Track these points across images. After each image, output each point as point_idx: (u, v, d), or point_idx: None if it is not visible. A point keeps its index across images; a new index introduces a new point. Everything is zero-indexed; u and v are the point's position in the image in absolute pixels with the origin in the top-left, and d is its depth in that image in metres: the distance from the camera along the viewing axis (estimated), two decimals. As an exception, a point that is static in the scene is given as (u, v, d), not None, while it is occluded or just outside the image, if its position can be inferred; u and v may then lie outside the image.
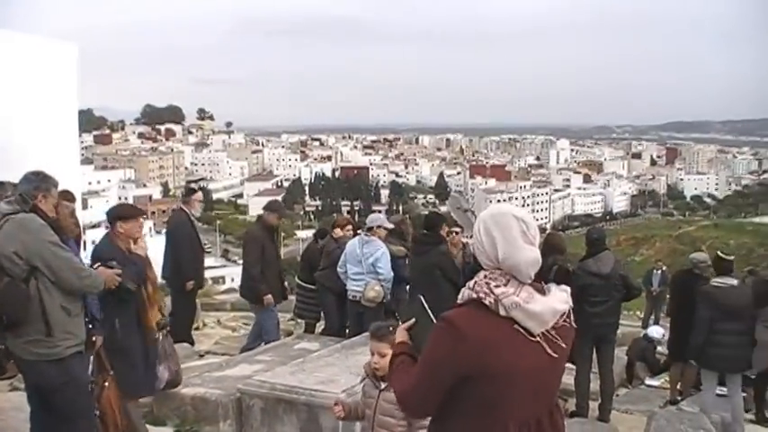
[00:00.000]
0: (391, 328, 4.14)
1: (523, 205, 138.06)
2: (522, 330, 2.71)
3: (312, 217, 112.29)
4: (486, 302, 2.71)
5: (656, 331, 12.32)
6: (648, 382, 11.40)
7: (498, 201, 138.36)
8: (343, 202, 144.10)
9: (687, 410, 8.73)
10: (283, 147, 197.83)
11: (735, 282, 8.36)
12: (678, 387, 10.19)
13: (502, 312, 2.70)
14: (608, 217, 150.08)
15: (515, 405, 2.77)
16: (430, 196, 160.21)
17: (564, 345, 2.84)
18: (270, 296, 9.83)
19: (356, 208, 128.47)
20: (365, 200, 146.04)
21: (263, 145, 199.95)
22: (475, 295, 2.74)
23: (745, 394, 10.14)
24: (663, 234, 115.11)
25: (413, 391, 2.87)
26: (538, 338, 2.75)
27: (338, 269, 9.66)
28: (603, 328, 8.24)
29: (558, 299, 2.83)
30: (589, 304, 8.11)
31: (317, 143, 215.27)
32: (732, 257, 8.79)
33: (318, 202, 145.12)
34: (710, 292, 8.31)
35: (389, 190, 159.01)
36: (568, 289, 2.90)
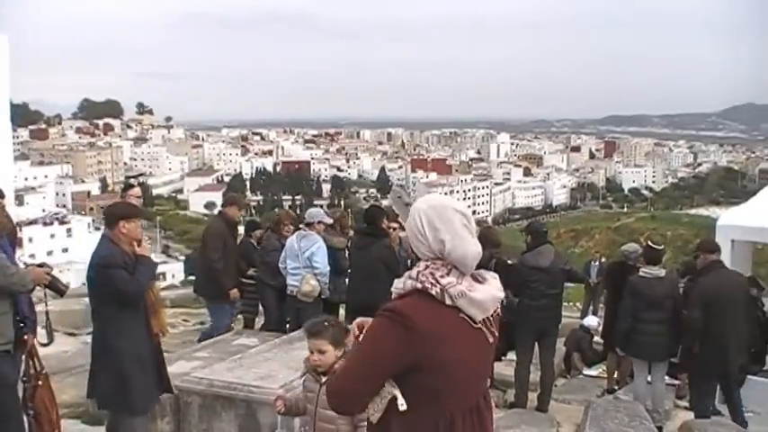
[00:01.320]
0: (326, 324, 4.15)
1: (464, 198, 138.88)
2: (466, 318, 2.75)
3: (254, 212, 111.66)
4: (433, 292, 2.71)
5: (591, 321, 12.49)
6: (586, 372, 11.56)
7: (439, 194, 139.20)
8: (285, 197, 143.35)
9: (623, 399, 8.89)
10: (224, 141, 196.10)
11: (662, 273, 8.52)
12: (615, 376, 10.34)
13: (448, 302, 2.71)
14: (548, 210, 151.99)
15: (460, 393, 2.81)
16: (372, 190, 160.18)
17: (497, 332, 2.90)
18: (236, 291, 9.80)
19: (298, 203, 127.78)
20: (307, 194, 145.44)
21: (203, 140, 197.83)
22: (420, 285, 2.74)
23: (679, 382, 10.35)
24: (602, 226, 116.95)
25: (351, 386, 2.78)
26: (480, 326, 2.80)
27: (280, 265, 9.62)
28: (545, 322, 8.37)
29: (495, 286, 2.88)
30: (530, 298, 8.21)
31: (257, 138, 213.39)
32: (662, 247, 8.93)
33: (260, 197, 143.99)
34: (635, 282, 8.46)
35: (331, 184, 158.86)
36: (497, 276, 2.94)
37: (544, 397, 8.47)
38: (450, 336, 2.71)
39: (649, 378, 9.01)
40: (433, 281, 2.73)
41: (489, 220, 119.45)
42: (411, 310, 2.69)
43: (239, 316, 11.72)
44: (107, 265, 5.51)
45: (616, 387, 10.14)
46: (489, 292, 2.83)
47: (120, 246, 5.62)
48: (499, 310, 2.95)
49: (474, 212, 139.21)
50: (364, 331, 2.86)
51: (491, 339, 2.87)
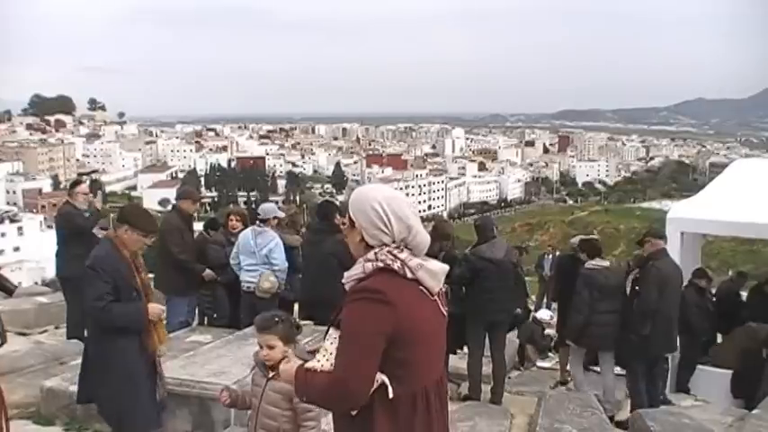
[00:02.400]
0: (276, 319, 4.14)
1: (420, 193, 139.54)
2: (425, 291, 2.86)
3: (208, 208, 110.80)
4: (395, 267, 2.80)
5: (544, 314, 12.60)
6: (539, 364, 11.67)
7: (395, 189, 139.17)
8: (240, 193, 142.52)
9: (576, 390, 8.97)
10: (178, 137, 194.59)
11: (607, 263, 8.67)
12: (567, 368, 10.44)
13: (409, 275, 2.81)
14: (503, 204, 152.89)
15: (430, 366, 2.92)
16: (327, 186, 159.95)
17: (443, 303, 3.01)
18: (210, 271, 9.71)
19: (253, 199, 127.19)
20: (262, 190, 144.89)
21: (156, 135, 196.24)
22: (381, 264, 2.81)
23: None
24: (556, 220, 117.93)
25: (354, 372, 2.73)
26: (435, 298, 2.91)
27: (231, 261, 9.55)
28: (496, 314, 8.39)
29: (437, 261, 2.97)
30: (482, 290, 8.25)
31: (212, 133, 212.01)
32: (597, 237, 9.10)
33: (214, 194, 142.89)
34: (589, 274, 8.61)
35: (286, 180, 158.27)
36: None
37: (497, 389, 8.52)
38: (417, 307, 2.82)
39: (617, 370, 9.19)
40: (393, 257, 2.81)
41: (445, 214, 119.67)
42: (382, 285, 2.76)
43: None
44: (93, 266, 5.33)
45: (569, 378, 10.24)
46: (439, 264, 2.94)
47: (120, 251, 5.40)
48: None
49: (429, 207, 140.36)
50: (342, 321, 2.81)
51: (444, 312, 2.98)
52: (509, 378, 9.81)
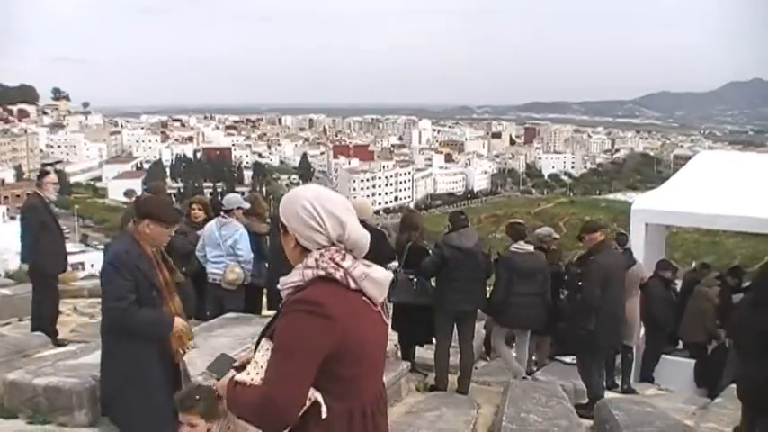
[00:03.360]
0: (197, 397, 3.95)
1: (387, 185, 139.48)
2: (368, 302, 2.71)
3: (174, 199, 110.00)
4: (337, 276, 2.64)
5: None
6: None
7: (362, 180, 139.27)
8: (206, 184, 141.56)
9: (541, 380, 9.05)
10: (143, 128, 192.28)
11: (531, 248, 8.76)
12: (533, 358, 10.51)
13: (352, 285, 2.66)
14: (469, 195, 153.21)
15: (370, 380, 2.77)
16: (294, 177, 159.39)
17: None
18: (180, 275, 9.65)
19: (219, 190, 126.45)
20: (228, 181, 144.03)
21: (121, 126, 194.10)
22: (322, 272, 2.65)
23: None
24: (522, 211, 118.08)
25: (284, 390, 2.55)
26: (378, 308, 2.77)
27: (197, 252, 9.51)
28: (463, 305, 8.42)
29: (382, 268, 2.82)
30: (451, 279, 8.28)
31: (177, 124, 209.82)
32: (522, 222, 9.23)
33: (180, 185, 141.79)
34: (508, 257, 8.79)
35: (253, 171, 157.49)
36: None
37: (464, 379, 8.56)
38: (360, 320, 2.66)
39: (570, 359, 9.30)
40: (335, 265, 2.66)
41: (411, 205, 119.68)
42: (322, 297, 2.59)
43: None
44: (114, 263, 5.09)
45: (535, 368, 10.31)
46: (383, 272, 2.78)
47: (141, 246, 5.18)
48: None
49: (396, 198, 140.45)
50: (277, 334, 2.64)
51: (387, 322, 2.86)
52: (475, 369, 9.86)
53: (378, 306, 2.77)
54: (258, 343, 2.80)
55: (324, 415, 2.61)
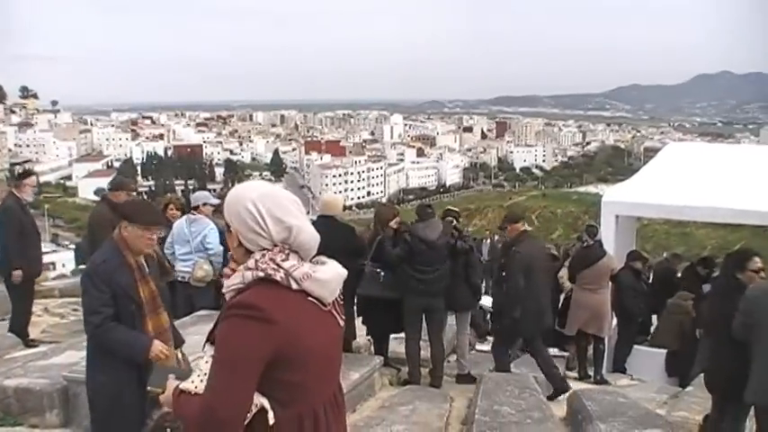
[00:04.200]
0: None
1: (359, 180, 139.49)
2: (316, 302, 2.60)
3: (145, 198, 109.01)
4: (278, 278, 2.52)
5: (485, 299, 12.68)
6: (479, 347, 11.75)
7: (335, 176, 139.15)
8: (177, 182, 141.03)
9: (515, 372, 9.08)
10: (113, 126, 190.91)
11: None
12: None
13: (294, 286, 2.53)
14: (441, 189, 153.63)
15: (320, 383, 2.66)
16: (266, 173, 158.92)
17: (341, 312, 2.79)
18: None
19: (191, 187, 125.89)
20: (199, 179, 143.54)
21: (91, 124, 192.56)
22: (261, 274, 2.53)
23: (568, 353, 10.63)
24: (494, 205, 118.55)
25: (225, 399, 2.44)
26: (329, 308, 2.66)
27: (165, 250, 9.44)
28: (430, 297, 8.42)
29: (337, 266, 2.72)
30: (417, 271, 8.28)
31: (148, 121, 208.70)
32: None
33: (151, 183, 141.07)
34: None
35: (224, 168, 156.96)
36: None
37: (436, 372, 8.57)
38: (304, 322, 2.54)
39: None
40: (275, 266, 2.53)
41: (384, 200, 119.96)
42: (262, 300, 2.47)
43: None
44: (88, 273, 4.86)
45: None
46: (333, 271, 2.67)
47: (124, 255, 4.84)
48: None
49: (368, 193, 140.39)
50: (217, 340, 2.53)
51: (341, 323, 2.75)
52: (448, 362, 9.88)
53: (328, 306, 2.65)
54: (204, 348, 2.68)
55: (271, 422, 2.52)
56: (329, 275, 2.63)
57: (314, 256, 2.72)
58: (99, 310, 4.70)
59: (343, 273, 2.71)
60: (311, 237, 2.65)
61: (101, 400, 4.85)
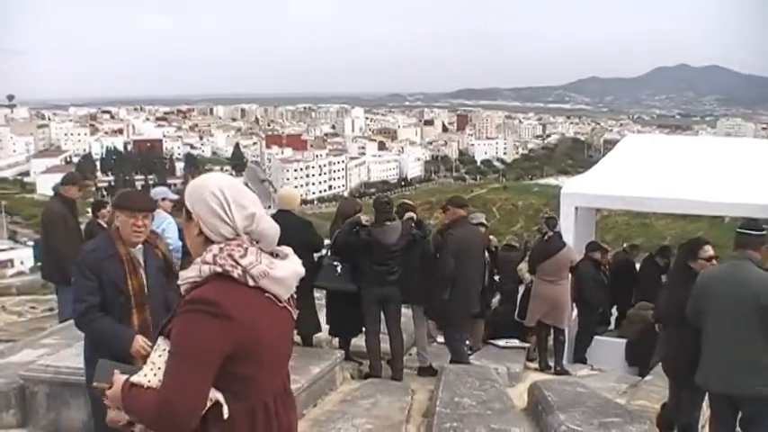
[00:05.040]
0: None
1: (320, 174, 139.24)
2: (272, 298, 2.61)
3: (105, 193, 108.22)
4: (235, 275, 2.52)
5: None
6: (440, 339, 11.77)
7: (296, 170, 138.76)
8: (137, 177, 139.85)
9: (476, 364, 9.12)
10: (71, 120, 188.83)
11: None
12: (467, 342, 10.58)
13: (251, 283, 2.54)
14: (403, 183, 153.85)
15: (272, 376, 2.69)
16: (226, 167, 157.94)
17: (297, 308, 2.80)
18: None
19: (151, 182, 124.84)
20: (159, 173, 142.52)
21: (49, 119, 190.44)
22: (219, 269, 2.52)
23: (529, 344, 10.69)
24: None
25: (182, 394, 2.44)
26: (284, 304, 2.67)
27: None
28: (388, 289, 8.43)
29: (297, 262, 2.74)
30: (375, 264, 8.28)
31: (107, 116, 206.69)
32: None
33: (111, 178, 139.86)
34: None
35: (184, 162, 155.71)
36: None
37: (397, 365, 8.59)
38: (260, 318, 2.55)
39: (508, 342, 9.42)
40: (233, 262, 2.53)
41: (345, 194, 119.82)
42: (221, 297, 2.47)
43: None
44: (77, 261, 4.77)
45: (469, 352, 10.38)
46: (291, 268, 2.68)
47: (114, 245, 4.76)
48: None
49: (330, 187, 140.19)
50: (173, 335, 2.52)
51: (294, 317, 2.77)
52: (409, 354, 9.90)
53: (283, 303, 2.67)
54: (156, 342, 2.67)
55: (225, 415, 2.52)
56: (286, 273, 2.64)
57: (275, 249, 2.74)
58: (84, 298, 4.68)
59: (301, 271, 2.72)
60: (271, 226, 2.67)
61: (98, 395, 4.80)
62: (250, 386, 2.58)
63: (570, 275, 10.54)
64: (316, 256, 8.53)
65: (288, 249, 2.76)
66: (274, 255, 2.70)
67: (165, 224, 9.08)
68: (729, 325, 5.57)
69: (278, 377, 2.76)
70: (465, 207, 9.31)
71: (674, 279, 6.61)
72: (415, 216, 8.97)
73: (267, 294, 2.59)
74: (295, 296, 2.77)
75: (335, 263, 8.48)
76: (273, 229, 2.68)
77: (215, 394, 2.51)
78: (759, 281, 5.57)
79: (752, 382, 5.48)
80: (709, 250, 6.38)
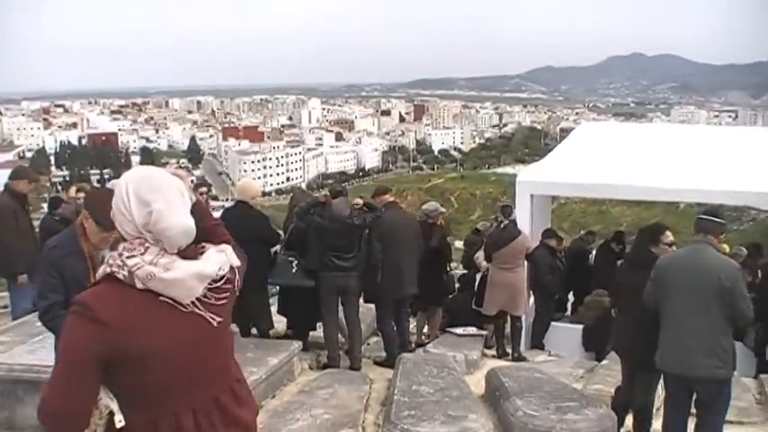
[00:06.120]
0: None
1: (278, 165, 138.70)
2: (170, 302, 2.46)
3: (59, 188, 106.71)
4: (120, 276, 2.41)
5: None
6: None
7: (253, 162, 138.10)
8: (92, 171, 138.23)
9: (433, 352, 9.14)
10: (24, 114, 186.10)
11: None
12: (425, 331, 10.62)
13: (139, 285, 2.41)
14: (361, 173, 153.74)
15: (181, 389, 2.51)
16: (183, 160, 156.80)
17: (225, 309, 2.65)
18: (24, 276, 9.27)
19: (106, 176, 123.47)
20: (115, 167, 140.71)
21: (1, 114, 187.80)
22: (108, 270, 2.44)
23: (486, 332, 10.75)
24: (414, 187, 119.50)
25: (56, 395, 2.38)
26: (191, 308, 2.51)
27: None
28: (344, 279, 8.45)
29: (211, 261, 2.57)
30: (333, 255, 8.28)
31: (60, 110, 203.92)
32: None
33: (66, 172, 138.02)
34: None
35: (140, 156, 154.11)
36: (228, 248, 2.67)
37: (355, 354, 8.63)
38: (145, 324, 2.41)
39: (464, 330, 9.47)
40: (121, 263, 2.42)
41: (303, 185, 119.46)
42: (97, 299, 2.38)
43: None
44: (42, 257, 4.77)
45: (427, 341, 10.43)
46: (192, 269, 2.50)
47: (78, 242, 4.71)
48: (237, 284, 2.71)
49: (288, 179, 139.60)
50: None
51: (215, 323, 2.58)
52: (368, 344, 9.92)
53: (188, 307, 2.50)
54: None
55: (118, 425, 2.46)
56: (181, 275, 2.46)
57: (202, 246, 2.61)
58: (46, 295, 4.68)
59: (209, 272, 2.56)
60: (174, 225, 2.48)
61: None
62: (149, 396, 2.47)
63: (526, 263, 10.62)
64: (272, 251, 8.52)
65: (216, 248, 2.64)
66: (191, 254, 2.55)
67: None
68: (690, 308, 5.66)
69: (198, 389, 2.57)
70: (388, 192, 9.54)
71: (632, 263, 6.67)
72: (361, 201, 9.00)
73: (164, 298, 2.45)
74: (220, 299, 2.60)
75: (291, 258, 8.48)
76: (177, 228, 2.49)
77: (110, 403, 2.46)
78: (720, 264, 5.71)
79: (710, 364, 5.60)
80: (670, 236, 6.49)
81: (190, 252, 2.54)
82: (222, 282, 2.61)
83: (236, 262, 2.70)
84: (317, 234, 8.33)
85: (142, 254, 2.44)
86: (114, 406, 2.45)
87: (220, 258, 2.61)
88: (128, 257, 2.42)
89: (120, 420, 2.45)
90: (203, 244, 2.62)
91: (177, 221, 2.49)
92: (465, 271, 12.49)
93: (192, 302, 2.51)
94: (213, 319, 2.57)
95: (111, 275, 2.43)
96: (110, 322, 2.34)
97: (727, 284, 5.53)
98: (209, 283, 2.56)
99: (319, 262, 8.35)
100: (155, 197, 2.47)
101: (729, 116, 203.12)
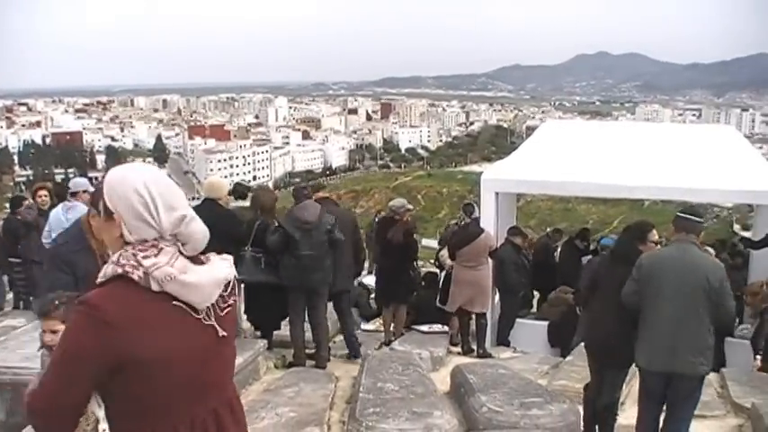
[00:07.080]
0: (57, 302, 3.85)
1: (245, 164, 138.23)
2: (184, 307, 2.35)
3: (23, 188, 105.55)
4: (135, 277, 2.27)
5: (369, 279, 12.75)
6: (364, 326, 11.82)
7: (219, 161, 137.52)
8: (57, 170, 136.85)
9: (399, 349, 9.18)
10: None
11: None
12: (391, 329, 10.64)
13: (155, 287, 2.28)
14: (328, 172, 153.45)
15: (182, 401, 2.39)
16: (149, 159, 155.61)
17: (229, 320, 2.54)
18: None
19: (71, 176, 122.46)
20: (80, 166, 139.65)
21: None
22: (120, 270, 2.29)
23: (447, 328, 10.81)
24: (381, 186, 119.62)
25: (48, 397, 2.31)
26: (204, 316, 2.41)
27: (43, 239, 9.20)
28: (311, 281, 8.45)
29: (219, 267, 2.49)
30: (296, 257, 8.28)
31: (24, 108, 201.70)
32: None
33: (29, 172, 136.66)
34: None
35: (105, 155, 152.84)
36: (230, 257, 2.57)
37: (320, 353, 8.62)
38: (157, 328, 2.29)
39: (430, 327, 9.48)
40: (135, 263, 2.29)
41: (270, 184, 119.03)
42: (104, 299, 2.25)
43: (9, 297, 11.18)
44: (51, 252, 4.71)
45: (393, 338, 10.45)
46: (208, 273, 2.42)
47: (86, 237, 4.66)
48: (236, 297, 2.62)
49: (255, 178, 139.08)
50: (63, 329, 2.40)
51: (222, 333, 2.47)
52: (333, 342, 9.92)
53: (201, 313, 2.40)
54: None
55: None
56: (199, 279, 2.37)
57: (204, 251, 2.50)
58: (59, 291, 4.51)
59: (223, 277, 2.48)
60: (201, 229, 2.42)
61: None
62: (148, 407, 2.34)
63: (491, 260, 10.67)
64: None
65: (216, 257, 2.54)
66: (198, 260, 2.46)
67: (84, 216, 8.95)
68: (676, 306, 5.69)
69: (197, 401, 2.44)
70: (323, 189, 9.96)
71: (617, 258, 6.63)
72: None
73: (177, 303, 2.33)
74: (224, 308, 2.51)
75: (258, 255, 8.47)
76: (202, 232, 2.43)
77: (96, 410, 2.36)
78: (707, 263, 5.81)
79: (695, 361, 5.66)
80: (656, 234, 6.53)
81: (197, 258, 2.46)
82: (228, 291, 2.53)
83: (235, 272, 2.60)
84: (284, 238, 8.32)
85: (156, 255, 2.32)
86: (101, 414, 2.36)
87: (226, 266, 2.52)
88: (144, 258, 2.30)
89: (104, 430, 2.35)
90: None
91: (202, 225, 2.44)
92: (433, 269, 12.53)
93: (207, 309, 2.43)
94: (221, 329, 2.47)
95: (122, 276, 2.29)
96: (118, 325, 2.22)
97: (716, 285, 5.61)
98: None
99: (286, 262, 8.35)
100: (179, 201, 2.41)
101: (693, 114, 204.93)
